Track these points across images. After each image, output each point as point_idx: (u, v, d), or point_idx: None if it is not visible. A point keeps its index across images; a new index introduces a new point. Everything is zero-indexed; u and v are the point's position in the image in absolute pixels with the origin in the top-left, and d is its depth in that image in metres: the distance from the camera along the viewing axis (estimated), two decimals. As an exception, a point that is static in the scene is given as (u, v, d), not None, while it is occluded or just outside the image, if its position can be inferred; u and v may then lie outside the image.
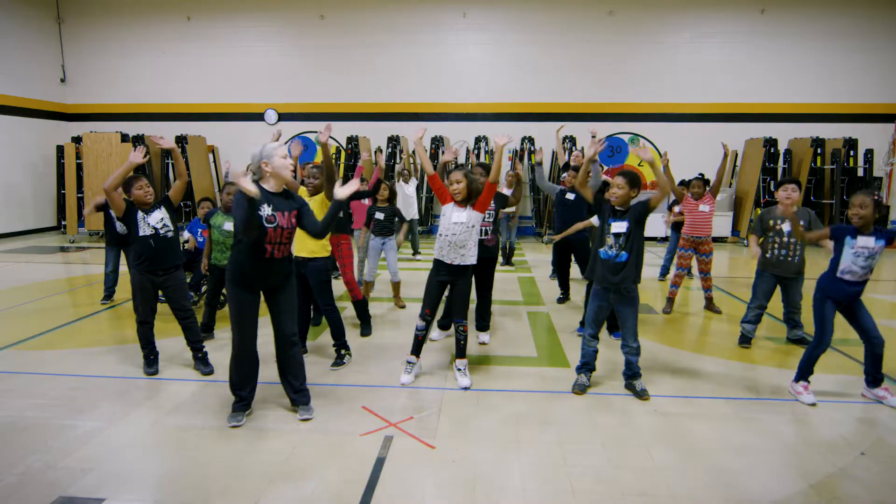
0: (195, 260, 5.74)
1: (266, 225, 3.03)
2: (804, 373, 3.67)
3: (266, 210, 3.04)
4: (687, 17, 11.54)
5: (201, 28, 12.19)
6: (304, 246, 4.04)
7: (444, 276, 3.82)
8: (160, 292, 3.99)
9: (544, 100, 11.91)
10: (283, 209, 3.12)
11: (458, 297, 3.86)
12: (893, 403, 3.54)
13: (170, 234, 3.90)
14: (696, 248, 5.82)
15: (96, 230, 11.08)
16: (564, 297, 6.19)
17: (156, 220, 3.85)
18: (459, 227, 3.69)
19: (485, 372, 4.12)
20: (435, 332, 4.90)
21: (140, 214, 3.85)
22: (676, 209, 6.32)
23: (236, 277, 3.14)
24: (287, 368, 3.37)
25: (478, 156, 11.45)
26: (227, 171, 3.81)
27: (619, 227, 3.59)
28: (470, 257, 3.77)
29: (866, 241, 3.40)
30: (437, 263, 3.84)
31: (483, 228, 4.40)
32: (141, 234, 3.83)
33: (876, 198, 3.41)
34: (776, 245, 4.51)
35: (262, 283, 3.20)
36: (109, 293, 6.07)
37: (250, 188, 2.82)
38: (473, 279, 4.62)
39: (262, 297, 3.29)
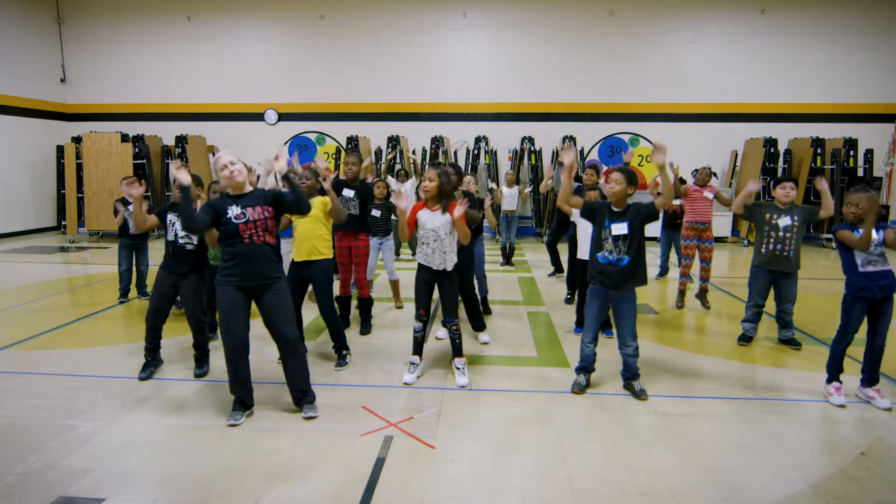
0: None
1: (235, 222, 3.12)
2: (833, 372, 3.65)
3: (234, 210, 3.14)
4: (687, 17, 11.54)
5: (201, 28, 12.18)
6: (308, 247, 4.02)
7: (429, 277, 3.87)
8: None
9: (544, 100, 11.90)
10: (252, 205, 3.18)
11: (445, 296, 3.89)
12: (881, 405, 3.51)
13: (189, 246, 3.89)
14: (699, 237, 5.85)
15: (96, 230, 11.07)
16: (572, 298, 6.18)
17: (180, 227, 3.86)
18: (435, 234, 3.72)
19: (485, 372, 4.12)
20: (440, 332, 4.89)
21: (169, 218, 3.91)
22: (677, 202, 6.33)
23: (221, 274, 3.20)
24: (289, 373, 3.36)
25: (477, 156, 11.45)
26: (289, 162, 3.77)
27: (619, 228, 3.51)
28: (451, 262, 3.82)
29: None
30: (422, 266, 3.88)
31: None
32: (167, 237, 3.93)
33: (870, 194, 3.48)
34: (772, 240, 4.47)
35: (245, 275, 3.15)
36: (125, 291, 6.13)
37: (180, 177, 3.10)
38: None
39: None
